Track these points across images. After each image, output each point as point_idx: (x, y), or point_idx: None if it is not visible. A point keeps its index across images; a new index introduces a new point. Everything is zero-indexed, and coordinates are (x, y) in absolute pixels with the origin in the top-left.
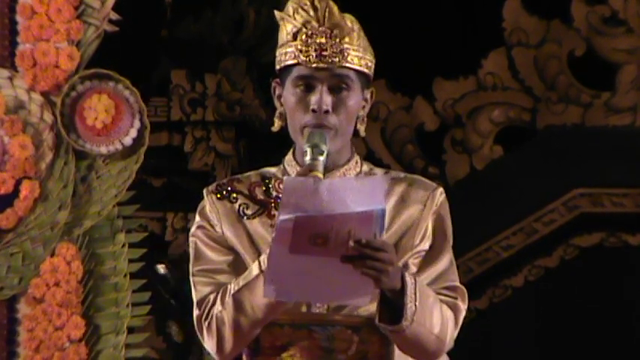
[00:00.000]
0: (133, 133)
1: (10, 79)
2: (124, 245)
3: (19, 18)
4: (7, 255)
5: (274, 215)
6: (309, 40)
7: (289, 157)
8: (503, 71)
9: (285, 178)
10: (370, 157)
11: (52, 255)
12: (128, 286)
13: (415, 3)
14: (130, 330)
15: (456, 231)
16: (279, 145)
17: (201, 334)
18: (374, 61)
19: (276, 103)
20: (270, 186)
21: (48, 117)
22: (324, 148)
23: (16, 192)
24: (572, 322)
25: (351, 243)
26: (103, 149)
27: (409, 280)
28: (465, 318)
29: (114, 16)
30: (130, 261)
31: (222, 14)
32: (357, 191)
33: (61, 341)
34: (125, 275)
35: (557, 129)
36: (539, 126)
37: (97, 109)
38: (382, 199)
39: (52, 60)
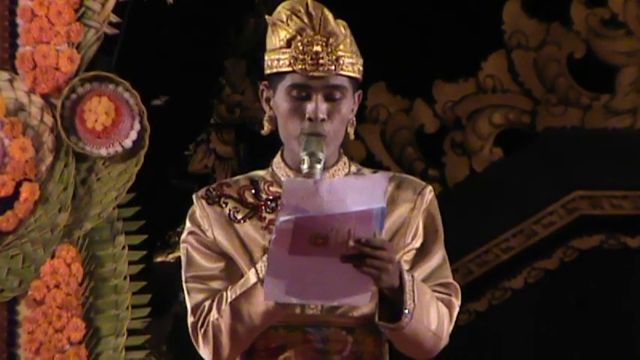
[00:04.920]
0: (133, 135)
1: (11, 81)
2: (124, 247)
3: (19, 20)
4: (8, 257)
5: (265, 217)
6: (305, 49)
7: (277, 159)
8: (502, 74)
9: (284, 179)
10: (370, 160)
11: (53, 257)
12: (128, 289)
13: (415, 5)
14: (130, 332)
15: (456, 233)
16: (279, 148)
17: (197, 341)
18: (362, 62)
19: (265, 107)
20: (260, 189)
21: (48, 119)
22: (322, 156)
23: (16, 194)
24: (572, 324)
25: (351, 242)
26: (103, 151)
27: (407, 277)
28: (464, 320)
29: (114, 18)
30: (130, 263)
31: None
32: (357, 191)
33: (61, 343)
34: (125, 277)
35: (556, 131)
36: (539, 128)
37: (97, 111)
38: (382, 198)
39: (52, 62)
